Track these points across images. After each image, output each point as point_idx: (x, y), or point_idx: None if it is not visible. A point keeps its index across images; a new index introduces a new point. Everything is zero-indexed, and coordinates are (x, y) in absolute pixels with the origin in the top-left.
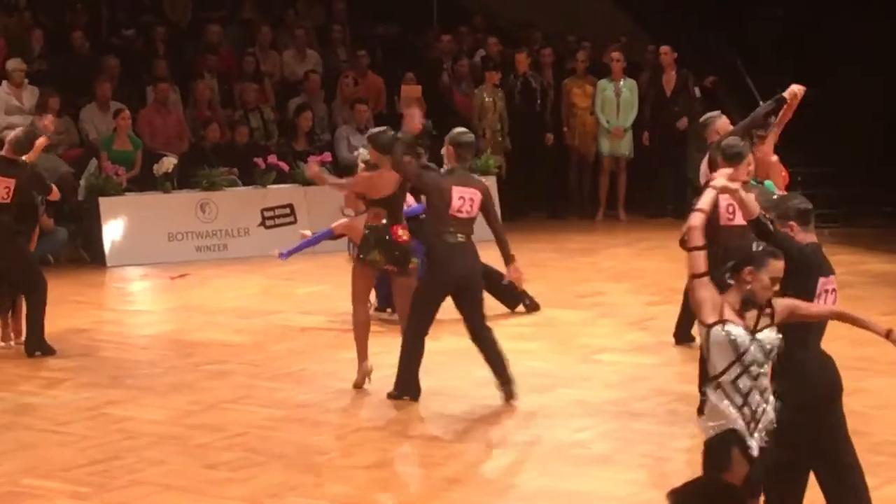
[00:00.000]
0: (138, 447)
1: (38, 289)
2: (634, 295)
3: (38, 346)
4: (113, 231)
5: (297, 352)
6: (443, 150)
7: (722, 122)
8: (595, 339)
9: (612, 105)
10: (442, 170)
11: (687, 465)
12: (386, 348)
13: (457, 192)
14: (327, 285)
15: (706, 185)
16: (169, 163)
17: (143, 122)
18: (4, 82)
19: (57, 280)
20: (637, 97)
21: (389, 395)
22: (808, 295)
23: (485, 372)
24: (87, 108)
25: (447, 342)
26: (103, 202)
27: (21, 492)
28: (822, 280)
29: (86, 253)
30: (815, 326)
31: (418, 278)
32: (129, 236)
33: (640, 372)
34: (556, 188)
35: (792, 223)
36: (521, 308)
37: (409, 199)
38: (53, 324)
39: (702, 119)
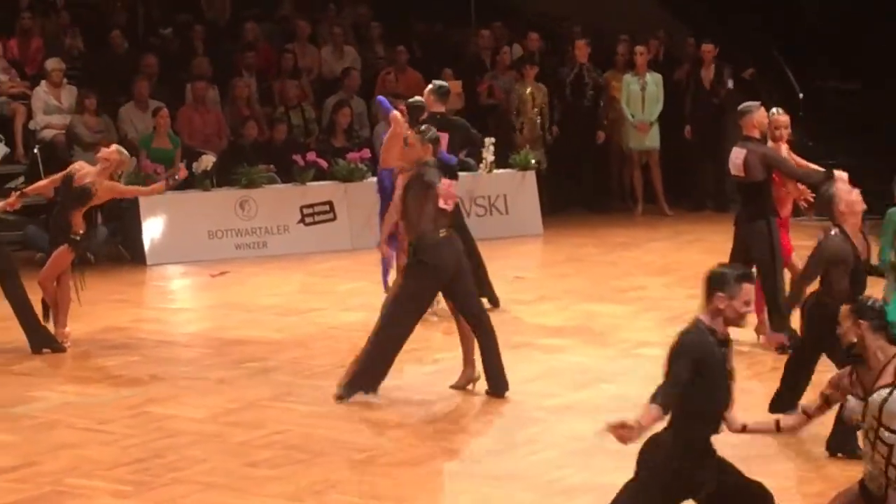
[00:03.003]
0: (180, 445)
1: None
2: (675, 289)
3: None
4: (153, 229)
5: (337, 349)
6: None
7: (759, 115)
8: (636, 334)
9: (638, 99)
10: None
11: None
12: (425, 343)
13: (446, 185)
14: (367, 282)
15: (738, 178)
16: (208, 161)
17: (181, 120)
18: (43, 82)
19: (97, 278)
20: (662, 91)
21: (340, 397)
22: None
23: (527, 367)
24: (126, 107)
25: None
26: (143, 200)
27: (64, 491)
28: None
29: (126, 251)
30: None
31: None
32: (168, 234)
33: None
34: (597, 182)
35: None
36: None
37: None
38: (94, 322)
39: (740, 108)
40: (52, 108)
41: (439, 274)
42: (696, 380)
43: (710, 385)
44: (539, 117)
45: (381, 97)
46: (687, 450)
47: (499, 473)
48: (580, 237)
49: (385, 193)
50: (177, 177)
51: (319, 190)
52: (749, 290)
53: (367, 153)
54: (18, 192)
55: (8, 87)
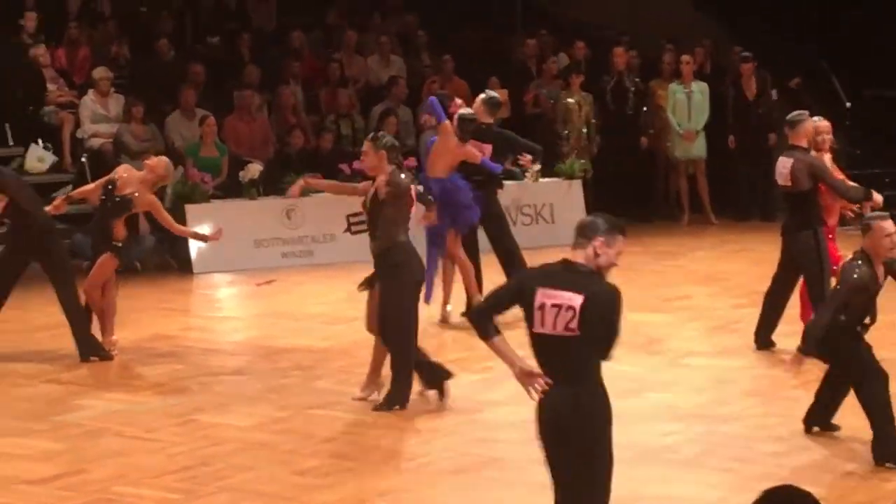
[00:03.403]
0: (226, 453)
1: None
2: (721, 298)
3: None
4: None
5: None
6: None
7: (809, 125)
8: (682, 343)
9: (684, 108)
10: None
11: (775, 469)
12: (472, 353)
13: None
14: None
15: (785, 187)
16: (254, 169)
17: (228, 128)
18: (91, 91)
19: (144, 287)
20: (708, 100)
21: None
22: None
23: None
24: (173, 116)
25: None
26: (190, 209)
27: (111, 499)
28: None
29: (173, 260)
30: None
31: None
32: (215, 243)
33: (727, 375)
34: (642, 191)
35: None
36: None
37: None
38: (141, 330)
39: (789, 117)
40: (99, 116)
41: (415, 275)
42: None
43: None
44: (585, 126)
45: (433, 99)
46: None
47: (545, 482)
48: (626, 246)
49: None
50: (214, 238)
51: None
52: (623, 241)
53: (412, 162)
54: (65, 196)
55: (56, 96)
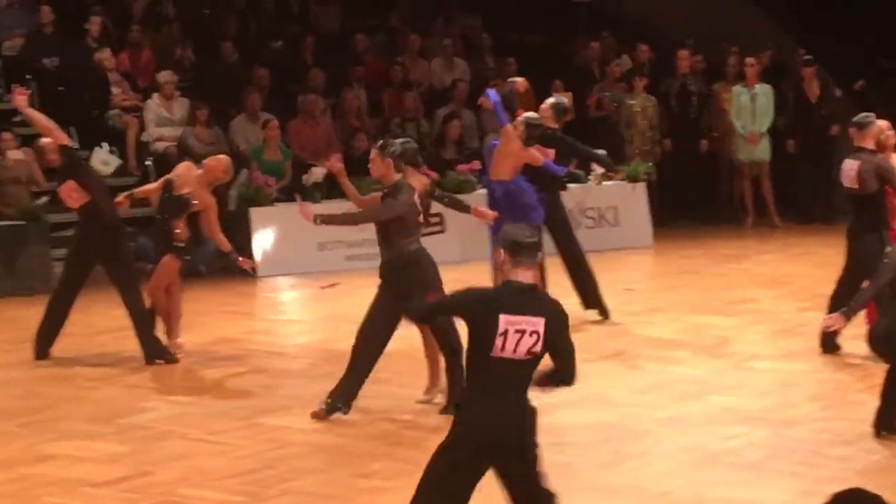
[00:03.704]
0: (290, 456)
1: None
2: (785, 301)
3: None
4: (263, 241)
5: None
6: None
7: (877, 127)
8: (746, 346)
9: (748, 111)
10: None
11: (841, 473)
12: None
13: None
14: None
15: (851, 190)
16: (318, 173)
17: (292, 132)
18: (155, 94)
19: (209, 290)
20: (773, 102)
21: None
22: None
23: (637, 379)
24: (237, 119)
25: (600, 349)
26: (254, 212)
27: (176, 501)
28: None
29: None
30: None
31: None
32: (279, 246)
33: (791, 379)
34: (706, 194)
35: (503, 251)
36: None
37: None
38: (205, 333)
39: (855, 119)
40: (163, 120)
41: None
42: None
43: None
44: (649, 129)
45: (495, 100)
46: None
47: (611, 486)
48: (690, 249)
49: (496, 204)
50: (246, 267)
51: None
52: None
53: (476, 165)
54: (127, 194)
55: (121, 99)
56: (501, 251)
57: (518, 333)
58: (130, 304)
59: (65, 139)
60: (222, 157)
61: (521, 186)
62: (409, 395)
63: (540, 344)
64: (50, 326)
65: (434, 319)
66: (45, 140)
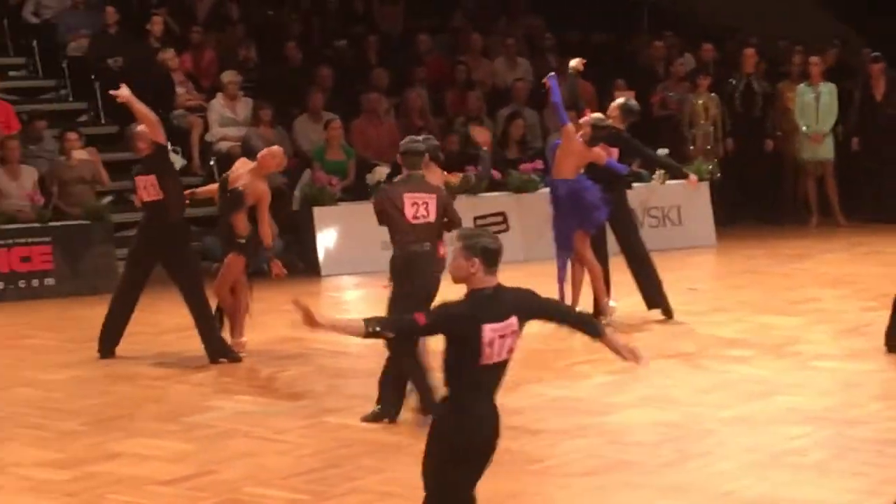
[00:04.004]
0: (356, 455)
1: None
2: (850, 301)
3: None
4: (327, 240)
5: (513, 359)
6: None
7: None
8: (811, 346)
9: (812, 110)
10: (396, 178)
11: None
12: (599, 355)
13: (409, 199)
14: (539, 293)
15: None
16: (382, 172)
17: (355, 131)
18: (219, 94)
19: (272, 289)
20: (837, 101)
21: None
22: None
23: (702, 379)
24: (300, 119)
25: (663, 348)
26: (317, 212)
27: (242, 499)
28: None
29: (301, 262)
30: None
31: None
32: (342, 245)
33: (856, 379)
34: (770, 193)
35: (475, 260)
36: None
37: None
38: (269, 332)
39: None
40: (227, 120)
41: (421, 291)
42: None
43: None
44: (712, 128)
45: (556, 98)
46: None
47: (674, 485)
48: (754, 248)
49: (559, 203)
50: (276, 271)
51: (493, 201)
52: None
53: (539, 164)
54: (189, 192)
55: (185, 99)
56: (475, 260)
57: (501, 339)
58: (192, 303)
59: (162, 138)
60: (275, 147)
61: (584, 185)
62: None
63: (517, 339)
64: (114, 325)
65: (410, 342)
66: (142, 127)
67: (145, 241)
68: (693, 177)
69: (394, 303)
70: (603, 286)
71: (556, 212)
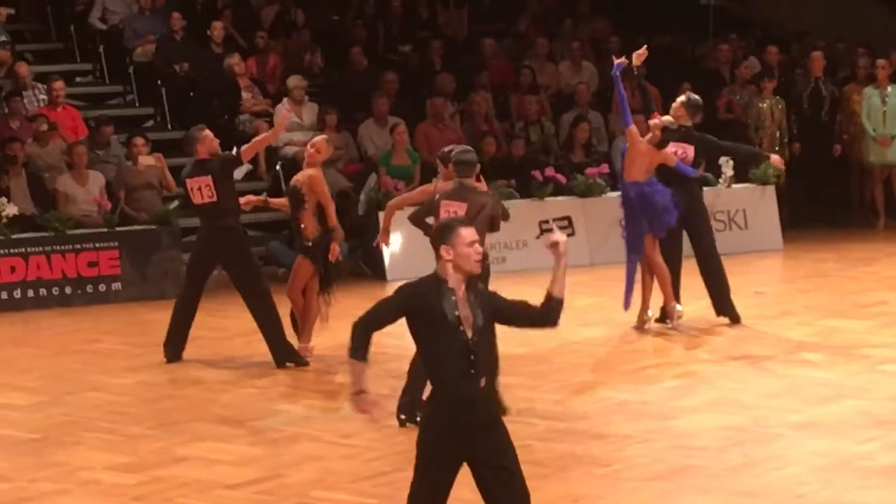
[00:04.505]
0: None
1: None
2: None
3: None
4: (393, 245)
5: (576, 363)
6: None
7: None
8: (879, 349)
9: (879, 113)
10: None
11: None
12: (666, 358)
13: (444, 206)
14: (605, 297)
15: None
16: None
17: (420, 136)
18: (285, 99)
19: (338, 294)
20: None
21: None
22: None
23: (770, 382)
24: (366, 124)
25: (730, 351)
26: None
27: (309, 503)
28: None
29: (367, 267)
30: None
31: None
32: (408, 250)
33: None
34: (837, 196)
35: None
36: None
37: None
38: (335, 336)
39: None
40: (293, 125)
41: None
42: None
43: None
44: (778, 131)
45: (621, 93)
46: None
47: (742, 489)
48: (821, 252)
49: (630, 205)
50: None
51: (558, 205)
52: (465, 232)
53: (605, 168)
54: (258, 199)
55: (251, 104)
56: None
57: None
58: (255, 307)
59: (240, 156)
60: (316, 138)
61: (654, 188)
62: (538, 398)
63: None
64: (178, 329)
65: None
66: (207, 132)
67: (203, 245)
68: (775, 157)
69: None
70: (671, 290)
71: (626, 214)
